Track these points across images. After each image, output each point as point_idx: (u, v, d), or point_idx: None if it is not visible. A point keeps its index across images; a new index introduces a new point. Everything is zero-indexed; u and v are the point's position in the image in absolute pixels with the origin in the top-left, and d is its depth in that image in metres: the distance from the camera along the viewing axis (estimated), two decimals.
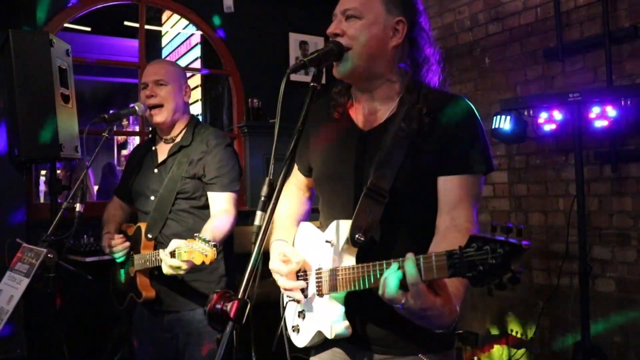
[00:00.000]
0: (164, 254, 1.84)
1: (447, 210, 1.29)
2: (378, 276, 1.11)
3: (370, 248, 1.29)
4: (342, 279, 1.24)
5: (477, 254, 0.90)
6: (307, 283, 1.38)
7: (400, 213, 1.32)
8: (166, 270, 1.85)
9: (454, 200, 1.28)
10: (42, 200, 5.60)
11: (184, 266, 1.81)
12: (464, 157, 1.29)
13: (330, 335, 1.30)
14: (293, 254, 1.38)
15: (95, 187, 7.28)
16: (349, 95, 1.46)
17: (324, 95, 1.52)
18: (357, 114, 1.43)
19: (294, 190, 1.65)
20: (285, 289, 1.39)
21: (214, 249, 1.73)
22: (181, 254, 1.79)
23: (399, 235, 1.34)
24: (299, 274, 1.40)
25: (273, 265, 1.41)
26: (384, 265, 1.11)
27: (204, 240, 1.74)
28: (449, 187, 1.29)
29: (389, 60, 1.35)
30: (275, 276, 1.43)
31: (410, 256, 1.03)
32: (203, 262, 1.74)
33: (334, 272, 1.27)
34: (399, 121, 1.32)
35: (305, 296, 1.37)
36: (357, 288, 1.20)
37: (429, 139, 1.30)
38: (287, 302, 1.45)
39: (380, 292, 1.07)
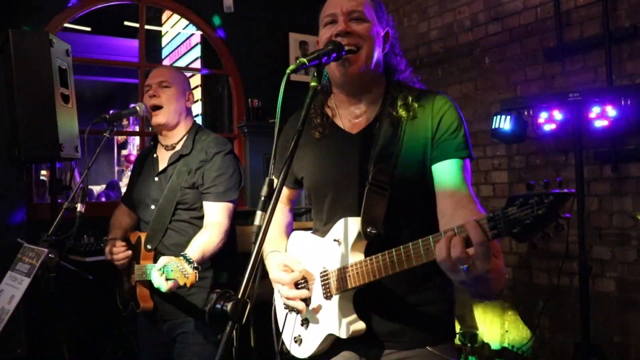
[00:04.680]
0: (154, 272, 1.81)
1: (449, 194, 1.32)
2: (422, 252, 1.11)
3: (379, 240, 1.31)
4: (363, 271, 1.25)
5: (520, 210, 0.94)
6: (309, 291, 1.39)
7: (403, 203, 1.37)
8: (157, 284, 1.82)
9: (453, 184, 1.33)
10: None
11: (171, 284, 1.78)
12: (454, 143, 1.35)
13: (345, 335, 1.30)
14: (294, 263, 1.40)
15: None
16: (324, 113, 1.51)
17: (294, 112, 1.59)
18: (343, 120, 1.49)
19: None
20: (289, 298, 1.39)
21: (195, 271, 1.71)
22: (169, 272, 1.76)
23: (403, 225, 1.38)
24: (299, 284, 1.40)
25: (274, 275, 1.42)
26: (410, 246, 1.12)
27: (188, 260, 1.71)
28: (446, 172, 1.34)
29: (380, 64, 1.44)
30: (277, 286, 1.44)
31: (471, 220, 1.01)
32: (185, 284, 1.72)
33: (349, 268, 1.29)
34: (388, 111, 1.40)
35: (307, 304, 1.38)
36: (382, 276, 1.20)
37: (418, 129, 1.37)
38: (286, 314, 1.45)
39: (443, 256, 1.02)
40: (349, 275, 1.28)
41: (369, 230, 1.30)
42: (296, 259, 1.43)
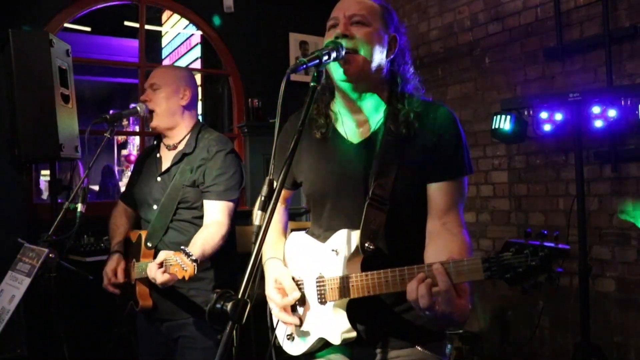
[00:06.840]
0: (152, 265, 1.81)
1: (438, 216, 1.36)
2: (403, 281, 1.17)
3: (376, 255, 1.33)
4: (357, 285, 1.27)
5: (514, 257, 0.98)
6: (302, 292, 1.41)
7: (402, 218, 1.38)
8: (152, 275, 1.82)
9: (443, 207, 1.36)
10: (44, 196, 5.62)
11: (167, 276, 1.78)
12: (450, 163, 1.37)
13: (337, 341, 1.33)
14: (291, 288, 1.40)
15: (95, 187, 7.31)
16: (328, 115, 1.49)
17: (295, 112, 1.58)
18: (345, 128, 1.48)
19: None
20: (280, 320, 1.43)
21: (194, 264, 1.71)
22: (168, 267, 1.76)
23: (402, 241, 1.39)
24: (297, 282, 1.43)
25: (268, 291, 1.45)
26: (405, 271, 1.17)
27: (187, 254, 1.72)
28: (438, 193, 1.37)
29: (382, 70, 1.42)
30: (270, 303, 1.46)
31: (439, 265, 1.08)
32: (183, 277, 1.72)
33: (344, 279, 1.30)
34: (389, 127, 1.39)
35: (301, 306, 1.40)
36: (375, 293, 1.24)
37: (418, 145, 1.37)
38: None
39: (412, 297, 1.11)
40: (345, 287, 1.30)
41: (366, 245, 1.32)
42: (294, 284, 1.42)
